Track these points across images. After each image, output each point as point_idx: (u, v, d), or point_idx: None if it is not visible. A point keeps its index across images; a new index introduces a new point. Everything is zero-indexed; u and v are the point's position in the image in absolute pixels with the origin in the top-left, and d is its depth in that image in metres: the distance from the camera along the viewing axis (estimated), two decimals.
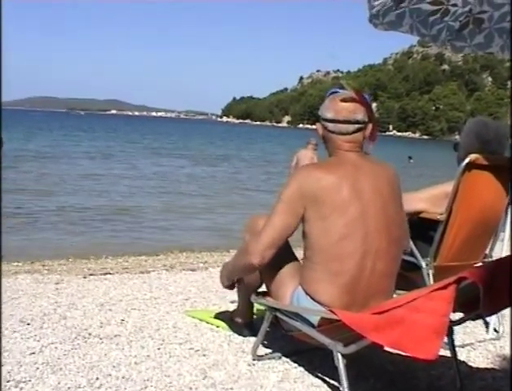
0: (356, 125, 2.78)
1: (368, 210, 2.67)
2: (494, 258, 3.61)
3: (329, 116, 2.81)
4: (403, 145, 77.51)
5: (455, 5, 4.09)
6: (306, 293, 2.75)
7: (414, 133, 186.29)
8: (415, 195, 3.58)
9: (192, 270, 5.84)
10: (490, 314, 2.47)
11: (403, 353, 2.53)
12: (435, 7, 4.07)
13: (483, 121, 3.63)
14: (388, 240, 2.70)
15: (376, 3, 3.67)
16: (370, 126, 2.84)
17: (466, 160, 3.31)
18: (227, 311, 3.77)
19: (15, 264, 6.26)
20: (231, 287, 3.29)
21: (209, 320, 3.72)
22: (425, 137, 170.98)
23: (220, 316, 3.72)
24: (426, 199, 3.52)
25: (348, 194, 2.65)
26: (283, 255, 2.87)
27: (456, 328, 2.93)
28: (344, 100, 2.81)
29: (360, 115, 2.79)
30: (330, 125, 2.81)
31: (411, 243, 3.46)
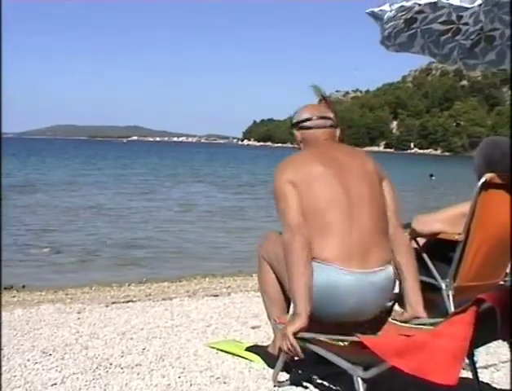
0: (331, 121, 3.13)
1: (348, 175, 2.92)
2: None
3: (306, 116, 3.14)
4: (425, 162, 77.24)
5: (466, 24, 4.10)
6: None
7: (436, 150, 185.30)
8: (432, 217, 3.58)
9: (215, 295, 5.84)
10: (509, 338, 2.44)
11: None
12: (447, 27, 4.08)
13: (494, 141, 3.62)
14: (370, 201, 2.91)
15: (387, 26, 3.69)
16: (339, 130, 3.17)
17: (482, 180, 3.30)
18: (257, 345, 3.68)
19: (39, 293, 6.32)
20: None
21: (240, 353, 3.52)
22: (447, 153, 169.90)
23: (252, 349, 3.54)
24: (444, 220, 3.51)
25: (327, 163, 2.92)
26: None
27: (479, 349, 2.90)
28: (313, 105, 3.20)
29: (332, 115, 3.16)
30: (308, 123, 3.12)
31: (429, 263, 3.46)
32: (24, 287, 7.02)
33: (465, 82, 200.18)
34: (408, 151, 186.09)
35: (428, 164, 63.95)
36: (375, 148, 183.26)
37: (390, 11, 3.41)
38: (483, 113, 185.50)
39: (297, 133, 3.18)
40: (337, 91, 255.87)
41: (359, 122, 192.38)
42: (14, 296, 6.11)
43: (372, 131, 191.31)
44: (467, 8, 3.05)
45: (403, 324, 2.89)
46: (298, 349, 2.74)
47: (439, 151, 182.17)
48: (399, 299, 3.82)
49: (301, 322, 2.72)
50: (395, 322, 2.96)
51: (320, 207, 2.86)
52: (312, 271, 2.77)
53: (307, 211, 2.86)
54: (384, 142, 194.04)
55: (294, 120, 3.19)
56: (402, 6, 3.31)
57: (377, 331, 2.94)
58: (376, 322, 2.96)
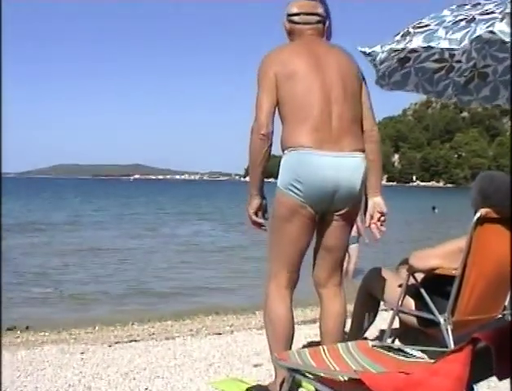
0: (318, 17, 3.33)
1: (326, 69, 3.18)
2: None
3: (295, 10, 3.35)
4: (428, 195, 77.11)
5: (459, 61, 4.20)
6: (286, 148, 3.18)
7: (438, 182, 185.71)
8: (429, 252, 3.62)
9: (218, 334, 5.83)
10: (505, 377, 2.45)
11: None
12: (440, 65, 4.18)
13: (490, 176, 3.67)
14: (344, 92, 3.17)
15: (382, 66, 3.77)
16: (328, 22, 3.39)
17: (477, 215, 3.35)
18: (259, 383, 3.68)
19: (42, 333, 6.31)
20: None
21: None
22: (450, 185, 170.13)
23: (253, 387, 3.54)
24: (441, 256, 3.55)
25: (307, 59, 3.18)
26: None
27: (480, 383, 2.90)
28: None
29: (320, 10, 3.35)
30: (296, 18, 3.35)
31: (427, 299, 3.48)
32: (27, 327, 7.01)
33: (465, 114, 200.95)
34: (411, 183, 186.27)
35: (430, 197, 63.83)
36: None
37: (382, 53, 3.48)
38: (484, 144, 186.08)
39: (286, 24, 3.40)
40: None
41: None
42: (17, 337, 6.11)
43: None
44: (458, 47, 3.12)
45: (402, 358, 2.90)
46: (261, 221, 3.30)
47: (441, 184, 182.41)
48: (400, 334, 3.87)
49: (256, 200, 3.28)
50: (395, 356, 2.98)
51: (300, 100, 3.14)
52: (265, 163, 3.22)
53: (287, 102, 3.16)
54: (386, 176, 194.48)
55: (285, 12, 3.40)
56: (392, 48, 3.39)
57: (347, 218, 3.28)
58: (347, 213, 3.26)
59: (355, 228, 11.39)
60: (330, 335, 3.34)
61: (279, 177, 3.22)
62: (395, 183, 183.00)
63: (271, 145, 3.20)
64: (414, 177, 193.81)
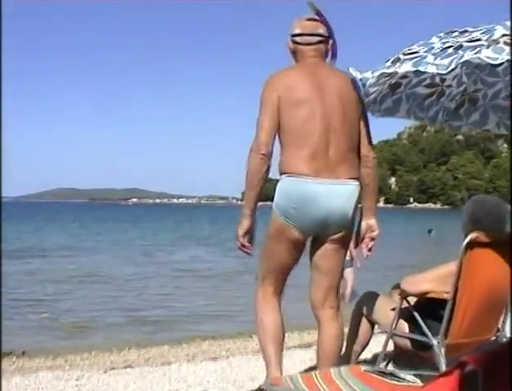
0: (319, 37, 3.42)
1: (327, 97, 3.27)
2: (506, 333, 3.65)
3: (297, 31, 3.45)
4: (425, 217, 77.17)
5: (450, 86, 4.25)
6: (284, 173, 3.28)
7: (435, 203, 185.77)
8: (420, 277, 3.65)
9: (214, 358, 5.83)
10: None
11: None
12: (431, 90, 4.22)
13: (482, 199, 3.71)
14: (342, 121, 3.27)
15: (372, 90, 3.79)
16: (331, 41, 3.47)
17: (467, 239, 3.37)
18: None
19: (38, 360, 6.29)
20: None
21: None
22: (447, 207, 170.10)
23: None
24: (433, 280, 3.57)
25: (310, 85, 3.28)
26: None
27: None
28: (308, 19, 3.46)
29: (322, 30, 3.44)
30: (298, 39, 3.44)
31: (420, 322, 3.50)
32: (24, 353, 7.00)
33: (460, 137, 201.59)
34: (408, 205, 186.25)
35: (427, 219, 63.83)
36: None
37: (373, 78, 3.53)
38: (479, 166, 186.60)
39: (290, 45, 3.50)
40: None
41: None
42: (13, 362, 6.10)
43: None
44: (449, 72, 3.17)
45: (394, 382, 2.92)
46: (247, 244, 3.35)
47: (438, 205, 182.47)
48: (394, 358, 3.88)
49: (247, 221, 3.33)
50: (387, 380, 3.00)
51: (300, 128, 3.24)
52: (262, 184, 3.29)
53: (288, 128, 3.26)
54: (383, 198, 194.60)
55: (289, 32, 3.49)
56: (383, 73, 3.43)
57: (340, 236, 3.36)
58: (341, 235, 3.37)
59: (348, 252, 11.56)
60: (327, 357, 3.42)
61: (274, 199, 3.32)
62: (392, 205, 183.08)
63: (269, 167, 3.29)
64: (411, 199, 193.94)
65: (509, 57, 2.89)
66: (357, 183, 3.32)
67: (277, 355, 3.41)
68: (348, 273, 11.61)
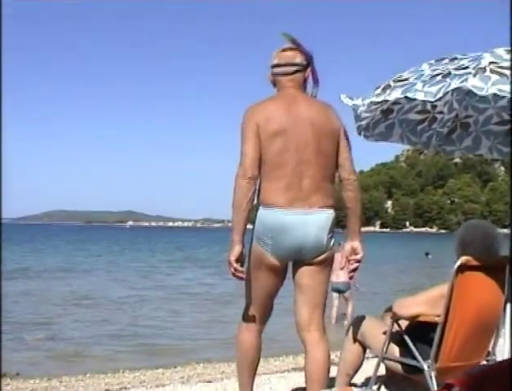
0: (296, 67, 3.52)
1: (301, 130, 3.37)
2: (497, 356, 3.68)
3: (275, 62, 3.57)
4: (421, 241, 77.15)
5: (441, 112, 4.32)
6: (261, 203, 3.44)
7: (431, 228, 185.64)
8: (411, 300, 3.68)
9: (208, 381, 5.83)
10: None
11: None
12: (423, 116, 4.29)
13: (472, 224, 3.77)
14: (316, 153, 3.38)
15: (364, 115, 3.86)
16: (309, 69, 3.56)
17: (458, 263, 3.41)
18: None
19: (32, 381, 6.30)
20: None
21: None
22: (443, 231, 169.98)
23: None
24: (423, 303, 3.60)
25: (285, 117, 3.38)
26: None
27: None
28: (284, 50, 3.58)
29: (299, 59, 3.54)
30: (276, 70, 3.57)
31: (411, 345, 3.53)
32: (18, 374, 7.00)
33: (457, 160, 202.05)
34: (404, 230, 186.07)
35: (424, 243, 63.78)
36: (371, 228, 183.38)
37: (363, 105, 3.60)
38: (476, 189, 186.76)
39: (270, 76, 3.63)
40: None
41: None
42: (8, 384, 6.10)
43: (368, 211, 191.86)
44: (436, 100, 3.24)
45: None
46: (241, 269, 3.38)
47: (434, 229, 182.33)
48: (386, 381, 3.91)
49: (238, 247, 3.36)
50: None
51: (275, 159, 3.36)
52: (250, 208, 3.36)
53: (264, 160, 3.38)
54: (379, 222, 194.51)
55: (269, 64, 3.63)
56: (373, 101, 3.50)
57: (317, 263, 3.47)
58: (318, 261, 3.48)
59: (347, 276, 11.69)
60: (316, 381, 3.45)
61: (253, 228, 3.48)
62: (388, 229, 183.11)
63: (255, 190, 3.40)
64: (407, 223, 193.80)
65: (495, 90, 2.94)
66: (331, 211, 3.44)
67: (250, 380, 3.65)
68: (347, 296, 11.90)
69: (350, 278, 3.64)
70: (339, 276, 11.56)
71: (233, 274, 3.40)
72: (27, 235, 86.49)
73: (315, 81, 3.62)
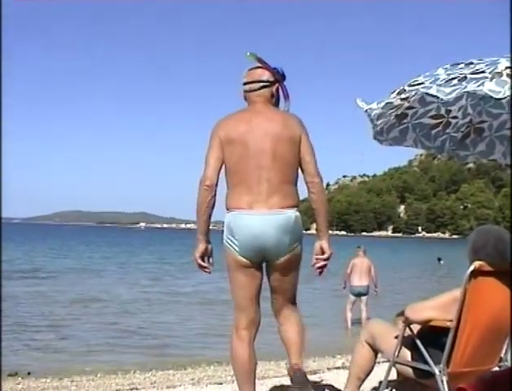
0: (262, 83, 3.82)
1: (258, 139, 3.63)
2: (509, 362, 3.66)
3: (244, 80, 3.88)
4: (433, 246, 76.86)
5: (455, 117, 4.31)
6: (227, 208, 3.72)
7: (444, 233, 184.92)
8: (424, 305, 3.67)
9: (219, 383, 5.84)
10: None
11: None
12: (437, 120, 4.29)
13: (486, 229, 3.75)
14: (273, 158, 3.62)
15: (379, 122, 3.88)
16: (276, 85, 3.85)
17: (471, 268, 3.40)
18: None
19: (44, 380, 6.32)
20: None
21: None
22: (456, 236, 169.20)
23: None
24: (435, 307, 3.59)
25: (244, 128, 3.66)
26: None
27: None
28: (252, 69, 3.88)
29: (265, 76, 3.83)
30: (246, 87, 3.87)
31: (423, 350, 3.52)
32: (29, 373, 7.04)
33: (471, 165, 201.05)
34: (416, 234, 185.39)
35: (436, 248, 63.54)
36: (383, 233, 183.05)
37: (378, 110, 3.60)
38: (490, 195, 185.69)
39: (242, 93, 3.92)
40: (344, 176, 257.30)
41: (367, 207, 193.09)
42: (19, 383, 6.13)
43: (380, 216, 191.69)
44: (454, 103, 3.24)
45: None
46: (205, 264, 3.79)
47: (447, 235, 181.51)
48: (397, 385, 3.90)
49: (202, 245, 3.77)
50: None
51: (235, 166, 3.66)
52: (210, 211, 3.71)
53: (227, 167, 3.70)
54: (392, 227, 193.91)
55: (241, 82, 3.93)
56: (388, 102, 3.50)
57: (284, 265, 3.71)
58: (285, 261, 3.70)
59: (368, 279, 11.77)
60: (293, 343, 3.83)
61: (224, 232, 3.75)
62: (400, 234, 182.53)
63: (214, 195, 3.70)
64: (420, 229, 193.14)
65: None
66: (292, 211, 3.65)
67: (251, 388, 3.74)
68: (363, 300, 11.96)
69: (320, 273, 3.78)
70: (362, 280, 11.62)
71: (199, 268, 3.82)
72: (38, 234, 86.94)
73: (285, 97, 3.91)
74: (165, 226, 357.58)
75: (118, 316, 13.28)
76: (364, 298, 11.93)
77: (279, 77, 3.87)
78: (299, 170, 3.76)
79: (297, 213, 3.69)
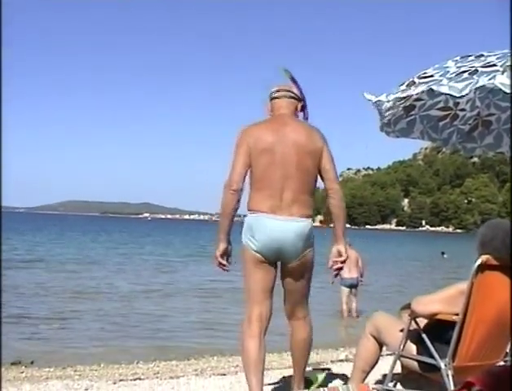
0: (292, 94, 4.03)
1: (285, 149, 3.80)
2: None
3: (274, 89, 4.06)
4: (437, 240, 76.83)
5: (463, 109, 4.29)
6: (248, 210, 3.87)
7: (447, 227, 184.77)
8: (430, 298, 3.65)
9: (222, 374, 5.83)
10: None
11: None
12: (445, 112, 4.27)
13: (495, 223, 3.72)
14: (297, 169, 3.80)
15: (387, 113, 3.86)
16: (301, 103, 4.06)
17: (478, 262, 3.38)
18: None
19: (47, 369, 6.33)
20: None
21: None
22: (459, 230, 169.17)
23: None
24: (442, 301, 3.57)
25: (272, 138, 3.82)
26: None
27: None
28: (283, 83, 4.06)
29: (295, 91, 4.05)
30: (275, 94, 4.04)
31: (429, 343, 3.51)
32: (32, 362, 7.05)
33: (476, 159, 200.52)
34: (420, 228, 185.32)
35: (440, 242, 63.53)
36: (387, 226, 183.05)
37: (388, 102, 3.57)
38: (494, 190, 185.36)
39: (269, 104, 4.10)
40: (348, 169, 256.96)
41: (371, 200, 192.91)
42: (22, 372, 6.13)
43: (384, 209, 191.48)
44: (462, 96, 3.21)
45: None
46: (225, 263, 3.92)
47: (450, 229, 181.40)
48: (402, 379, 3.89)
49: (223, 244, 3.90)
50: None
51: (261, 173, 3.81)
52: (234, 213, 3.86)
53: (253, 172, 3.84)
54: (396, 220, 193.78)
55: (268, 95, 4.11)
56: (397, 97, 3.48)
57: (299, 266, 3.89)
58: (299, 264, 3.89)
59: (358, 271, 12.08)
60: (298, 355, 4.08)
61: (243, 231, 3.90)
62: (404, 228, 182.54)
63: (239, 200, 3.85)
64: (424, 222, 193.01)
65: None
66: (309, 221, 3.86)
67: (258, 383, 3.78)
68: (354, 291, 12.40)
69: (336, 275, 4.15)
70: (352, 272, 11.89)
71: (218, 266, 3.95)
72: (42, 224, 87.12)
73: (305, 118, 4.12)
74: (169, 216, 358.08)
75: (121, 307, 13.30)
76: (354, 290, 12.30)
77: (304, 98, 4.08)
78: (319, 178, 3.93)
79: (312, 223, 3.90)
